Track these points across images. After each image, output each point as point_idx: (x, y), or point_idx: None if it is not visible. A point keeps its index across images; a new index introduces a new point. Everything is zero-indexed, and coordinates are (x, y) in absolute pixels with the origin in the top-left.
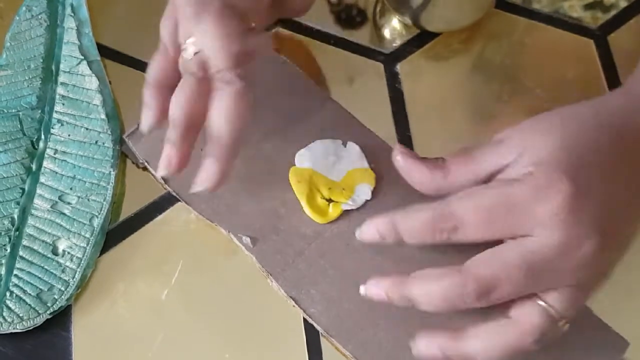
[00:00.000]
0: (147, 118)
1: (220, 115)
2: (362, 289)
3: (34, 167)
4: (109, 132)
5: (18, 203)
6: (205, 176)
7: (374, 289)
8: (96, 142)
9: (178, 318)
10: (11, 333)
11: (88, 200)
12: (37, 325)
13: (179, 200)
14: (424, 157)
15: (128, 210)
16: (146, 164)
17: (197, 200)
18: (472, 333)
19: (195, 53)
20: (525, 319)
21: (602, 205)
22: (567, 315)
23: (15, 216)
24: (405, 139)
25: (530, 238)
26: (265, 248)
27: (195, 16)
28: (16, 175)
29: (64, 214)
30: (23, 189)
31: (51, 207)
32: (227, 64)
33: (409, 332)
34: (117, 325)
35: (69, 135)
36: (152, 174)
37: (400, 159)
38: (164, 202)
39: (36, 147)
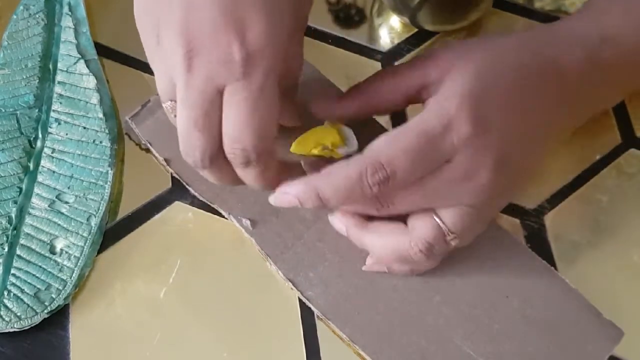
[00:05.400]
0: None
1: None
2: (272, 199)
3: (31, 166)
4: (106, 131)
5: (15, 202)
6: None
7: (284, 196)
8: (94, 141)
9: (176, 317)
10: (9, 332)
11: (86, 199)
12: (34, 325)
13: (177, 200)
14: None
15: (126, 209)
16: (149, 145)
17: (197, 182)
18: (374, 227)
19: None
20: (418, 229)
21: (502, 137)
22: (455, 232)
23: (13, 215)
24: None
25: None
26: (264, 231)
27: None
28: (14, 174)
29: (61, 213)
30: (20, 188)
31: (49, 206)
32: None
33: (406, 317)
34: (114, 325)
35: (66, 134)
36: (155, 156)
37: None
38: (162, 201)
39: (34, 146)
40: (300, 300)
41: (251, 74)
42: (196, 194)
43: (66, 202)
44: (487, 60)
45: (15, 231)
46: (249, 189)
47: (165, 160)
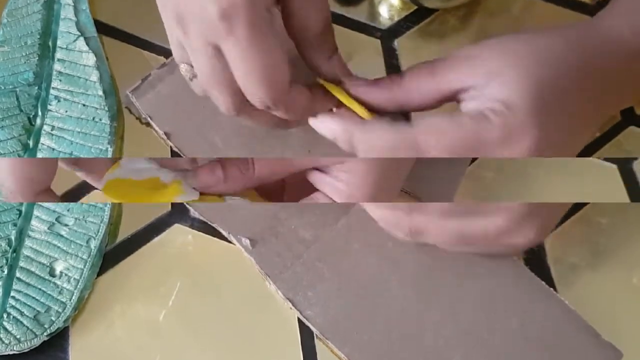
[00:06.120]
0: None
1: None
2: (312, 121)
3: (31, 143)
4: (106, 108)
5: (15, 224)
6: None
7: (321, 124)
8: (93, 118)
9: (175, 339)
10: (8, 355)
11: (85, 221)
12: (34, 347)
13: (177, 222)
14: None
15: (125, 231)
16: (149, 119)
17: (197, 203)
18: None
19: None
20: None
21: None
22: None
23: (13, 237)
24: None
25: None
26: (264, 250)
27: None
28: None
29: (61, 235)
30: (20, 211)
31: (48, 228)
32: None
33: (405, 336)
34: (114, 347)
35: (66, 111)
36: (155, 130)
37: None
38: (162, 224)
39: (33, 123)
40: (299, 321)
41: (233, 29)
42: (196, 213)
43: (66, 225)
44: (540, 70)
45: (14, 254)
46: (248, 209)
47: (165, 133)
